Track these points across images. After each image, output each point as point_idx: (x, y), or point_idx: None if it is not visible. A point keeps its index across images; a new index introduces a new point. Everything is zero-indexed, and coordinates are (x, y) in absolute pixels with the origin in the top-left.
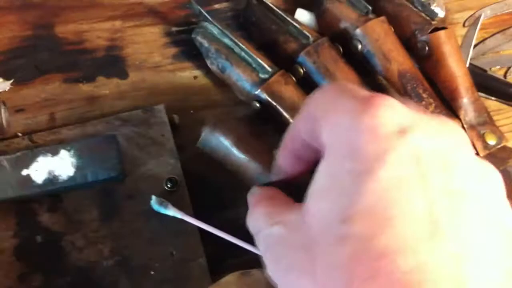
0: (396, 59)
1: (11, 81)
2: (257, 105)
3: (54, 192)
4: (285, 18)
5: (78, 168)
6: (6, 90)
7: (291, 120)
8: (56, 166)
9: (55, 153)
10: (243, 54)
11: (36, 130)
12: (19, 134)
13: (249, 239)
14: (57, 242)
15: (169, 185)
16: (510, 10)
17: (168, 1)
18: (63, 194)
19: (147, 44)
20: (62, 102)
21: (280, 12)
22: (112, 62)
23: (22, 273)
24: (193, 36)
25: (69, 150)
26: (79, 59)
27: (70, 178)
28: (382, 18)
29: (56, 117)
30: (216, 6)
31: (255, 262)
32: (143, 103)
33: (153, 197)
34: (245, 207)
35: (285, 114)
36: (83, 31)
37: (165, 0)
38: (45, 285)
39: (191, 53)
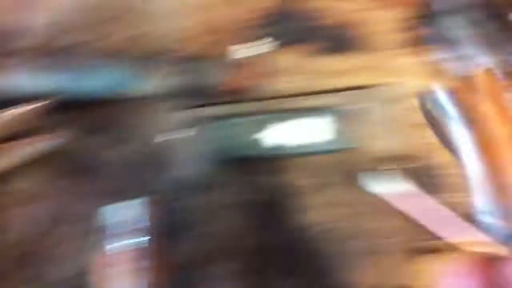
0: None
1: (253, 49)
2: None
3: (283, 157)
4: None
5: (309, 137)
6: (248, 57)
7: None
8: (290, 132)
9: (291, 119)
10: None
11: (272, 97)
12: (257, 98)
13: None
14: (275, 204)
15: (391, 164)
16: None
17: None
18: (288, 160)
19: (386, 26)
20: (301, 73)
21: None
22: (350, 40)
23: (247, 226)
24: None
25: (311, 118)
26: (319, 34)
27: (299, 146)
28: None
29: (294, 86)
30: None
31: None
32: (376, 81)
33: (371, 173)
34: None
35: None
36: (325, 8)
37: None
38: (260, 241)
39: (430, 39)
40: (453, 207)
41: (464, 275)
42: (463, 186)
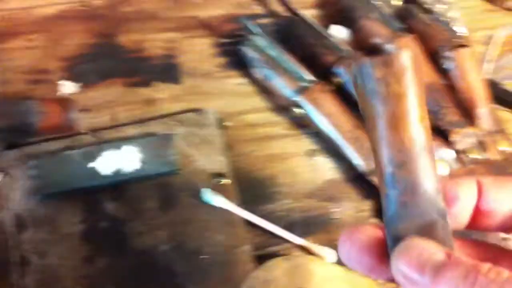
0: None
1: (78, 84)
2: (297, 110)
3: (117, 183)
4: (323, 33)
5: (140, 162)
6: (73, 92)
7: (327, 125)
8: (120, 160)
9: (119, 148)
10: (286, 64)
11: (100, 128)
12: (85, 131)
13: (287, 229)
14: (120, 228)
15: (218, 180)
16: None
17: (218, 16)
18: (125, 185)
19: (198, 53)
20: (123, 104)
21: (318, 27)
22: (168, 69)
23: (88, 255)
24: (240, 47)
25: (132, 146)
26: (139, 66)
27: (133, 171)
28: (412, 35)
29: (118, 117)
30: (260, 21)
31: (293, 249)
32: (195, 106)
33: (205, 189)
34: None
35: (322, 119)
36: (142, 41)
37: (215, 14)
38: (108, 267)
39: (237, 62)
40: (287, 212)
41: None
42: (291, 195)
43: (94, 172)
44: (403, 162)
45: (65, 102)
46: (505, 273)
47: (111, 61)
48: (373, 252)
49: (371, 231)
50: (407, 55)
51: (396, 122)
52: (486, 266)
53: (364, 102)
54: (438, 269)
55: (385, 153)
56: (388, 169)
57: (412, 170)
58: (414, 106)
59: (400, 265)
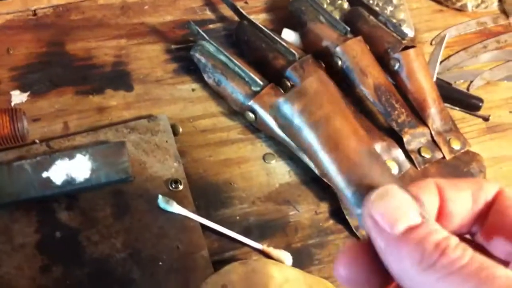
0: (372, 74)
1: (28, 93)
2: (250, 115)
3: (71, 193)
4: (274, 37)
5: (92, 170)
6: (23, 101)
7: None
8: (73, 169)
9: (71, 157)
10: (236, 69)
11: (52, 137)
12: (37, 141)
13: (244, 234)
14: (75, 237)
15: (173, 186)
16: (472, 30)
17: (167, 22)
18: (79, 194)
19: (149, 60)
20: (74, 112)
21: (269, 32)
22: (119, 76)
23: (44, 265)
24: (191, 53)
25: (84, 155)
26: (89, 74)
27: (86, 180)
28: (359, 37)
29: (70, 125)
30: (211, 26)
31: (251, 253)
32: (147, 112)
33: (160, 196)
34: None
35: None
36: (91, 48)
37: (165, 20)
38: (64, 276)
39: (189, 68)
40: (244, 217)
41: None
42: (248, 199)
43: (47, 182)
44: (359, 178)
45: (15, 112)
46: (468, 251)
47: (61, 69)
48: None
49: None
50: (315, 79)
51: (334, 143)
52: (454, 241)
53: (296, 137)
54: (410, 230)
55: (340, 177)
56: (349, 190)
57: (372, 181)
58: (342, 122)
59: (375, 212)
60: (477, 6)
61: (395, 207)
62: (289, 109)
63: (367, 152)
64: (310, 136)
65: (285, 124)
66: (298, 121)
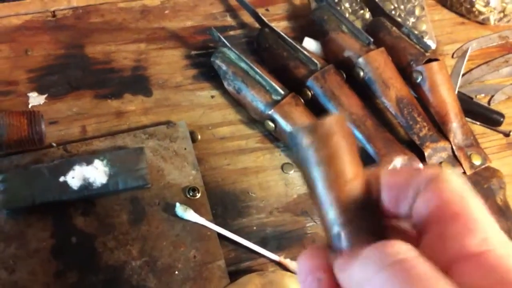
0: (394, 86)
1: (45, 95)
2: (270, 124)
3: (88, 198)
4: (295, 46)
5: (110, 176)
6: (41, 104)
7: None
8: (91, 174)
9: (89, 162)
10: (257, 77)
11: (69, 141)
12: (54, 144)
13: (261, 244)
14: (90, 243)
15: (190, 194)
16: (494, 44)
17: (188, 27)
18: (95, 200)
19: (169, 65)
20: (92, 116)
21: (290, 40)
22: (138, 81)
23: (58, 270)
24: (211, 59)
25: (102, 160)
26: (108, 77)
27: (103, 185)
28: (382, 49)
29: (87, 129)
30: (231, 32)
31: (267, 264)
32: (165, 118)
33: (177, 204)
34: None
35: None
36: (110, 52)
37: (185, 26)
38: (79, 282)
39: (209, 74)
40: (261, 227)
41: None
42: (265, 209)
43: (64, 187)
44: (346, 222)
45: (33, 115)
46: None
47: (80, 72)
48: None
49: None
50: (330, 120)
51: (331, 184)
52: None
53: (300, 168)
54: None
55: (328, 215)
56: (333, 230)
57: (356, 229)
58: (345, 165)
59: None
60: (500, 19)
61: None
62: (299, 142)
63: (360, 202)
64: (312, 172)
65: (295, 153)
66: (303, 154)
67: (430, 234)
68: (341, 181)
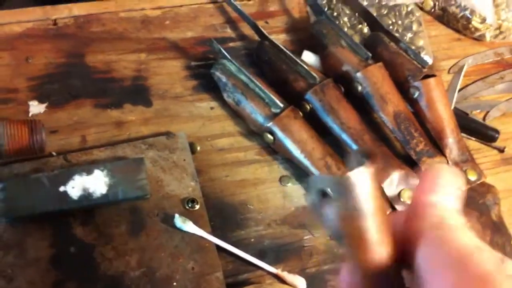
0: (392, 101)
1: (46, 104)
2: (269, 136)
3: (87, 208)
4: (295, 59)
5: (110, 186)
6: (41, 112)
7: (298, 152)
8: (91, 184)
9: (89, 172)
10: (257, 90)
11: (69, 150)
12: (54, 154)
13: (259, 256)
14: (89, 253)
15: (189, 205)
16: (490, 60)
17: (188, 38)
18: (95, 210)
19: (169, 76)
20: (92, 126)
21: (290, 53)
22: (138, 91)
23: (57, 280)
24: (211, 71)
25: (102, 170)
26: (108, 87)
27: (103, 196)
28: (380, 64)
29: (87, 139)
30: (231, 44)
31: (265, 277)
32: (165, 129)
33: (176, 215)
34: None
35: (293, 145)
36: (111, 61)
37: (185, 36)
38: None
39: (208, 86)
40: (259, 239)
41: None
42: (263, 221)
43: (63, 196)
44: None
45: (34, 124)
46: None
47: (80, 81)
48: None
49: None
50: (356, 175)
51: (355, 243)
52: None
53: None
54: None
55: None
56: None
57: None
58: (369, 228)
59: None
60: (495, 36)
61: None
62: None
63: (385, 271)
64: (337, 230)
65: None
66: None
67: None
68: (365, 243)
